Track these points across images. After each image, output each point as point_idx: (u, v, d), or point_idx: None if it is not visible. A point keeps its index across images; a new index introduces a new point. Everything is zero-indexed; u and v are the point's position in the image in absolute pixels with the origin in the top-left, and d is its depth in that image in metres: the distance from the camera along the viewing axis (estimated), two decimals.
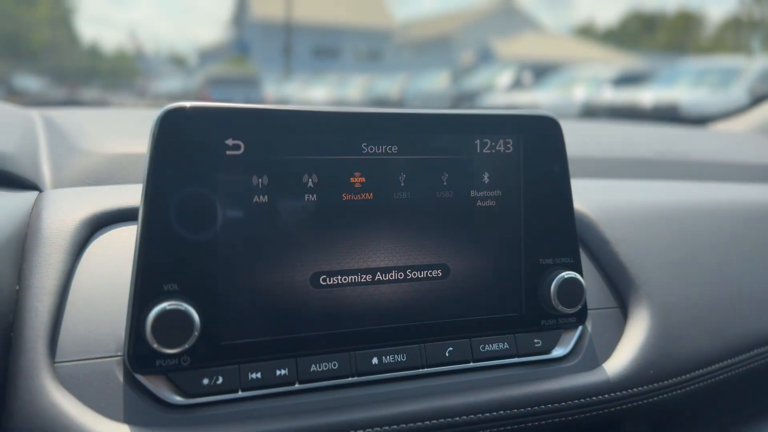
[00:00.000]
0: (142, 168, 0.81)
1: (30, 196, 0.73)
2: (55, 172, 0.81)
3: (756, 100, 1.79)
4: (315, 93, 21.44)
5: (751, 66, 12.00)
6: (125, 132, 0.97)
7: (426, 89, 17.98)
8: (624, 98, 11.77)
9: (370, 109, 0.66)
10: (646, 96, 11.37)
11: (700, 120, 1.86)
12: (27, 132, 0.87)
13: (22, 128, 0.88)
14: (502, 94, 15.13)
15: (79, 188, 0.76)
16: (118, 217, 0.69)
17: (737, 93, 10.89)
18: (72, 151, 0.85)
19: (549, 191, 0.72)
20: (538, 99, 13.48)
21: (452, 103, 15.76)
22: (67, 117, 1.00)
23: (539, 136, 0.71)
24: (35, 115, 0.99)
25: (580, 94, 13.46)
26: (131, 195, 0.72)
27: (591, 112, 11.91)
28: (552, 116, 0.72)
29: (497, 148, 0.70)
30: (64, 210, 0.68)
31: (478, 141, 0.69)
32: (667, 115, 10.60)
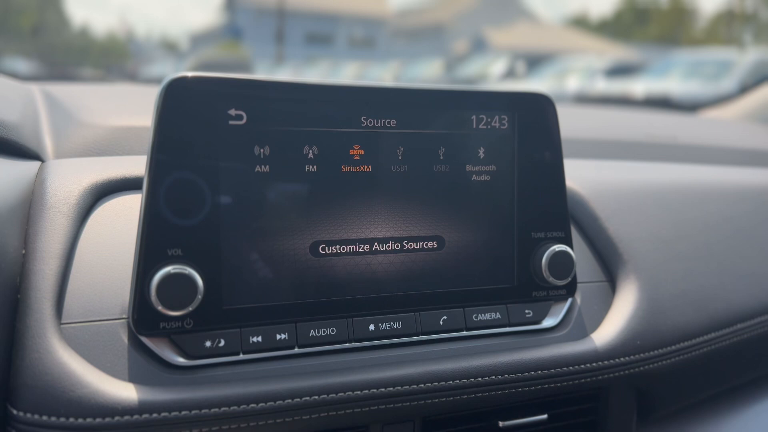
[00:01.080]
0: (144, 139, 0.83)
1: (33, 165, 0.75)
2: (56, 143, 0.82)
3: (744, 89, 1.82)
4: (307, 78, 21.34)
5: (742, 59, 12.06)
6: (124, 106, 0.98)
7: (419, 77, 17.96)
8: (616, 89, 11.81)
9: (369, 84, 0.67)
10: (638, 87, 11.42)
11: (691, 109, 1.89)
12: (28, 103, 0.89)
13: (23, 100, 0.89)
14: (495, 83, 15.14)
15: (81, 158, 0.78)
16: (121, 186, 0.71)
17: (728, 85, 10.94)
18: (72, 123, 0.86)
19: (542, 167, 0.74)
20: (531, 89, 13.50)
21: None
22: (65, 91, 1.01)
23: (534, 113, 0.73)
24: (34, 88, 1.00)
25: (572, 84, 13.49)
26: (133, 166, 0.73)
27: (583, 102, 11.93)
28: (547, 94, 0.74)
29: (493, 124, 0.72)
30: (69, 178, 0.69)
31: (474, 117, 0.71)
32: (659, 106, 10.65)
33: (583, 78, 13.79)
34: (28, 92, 0.95)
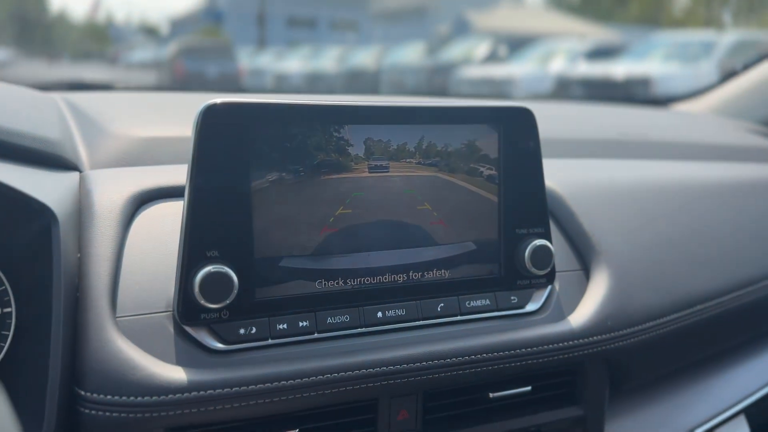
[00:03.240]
0: (170, 148, 0.92)
1: (74, 176, 0.84)
2: (90, 154, 0.91)
3: (726, 78, 1.90)
4: (289, 64, 21.24)
5: (721, 40, 12.20)
6: (148, 116, 1.07)
7: (402, 62, 17.93)
8: (597, 72, 11.93)
9: (377, 102, 0.77)
10: (619, 70, 11.54)
11: (670, 98, 1.98)
12: (61, 116, 0.97)
13: (56, 113, 0.97)
14: (477, 67, 15.18)
15: (117, 169, 0.87)
16: (159, 194, 0.81)
17: (708, 67, 11.10)
18: (103, 135, 0.95)
19: (524, 171, 0.84)
20: (514, 72, 13.57)
21: (429, 75, 15.77)
22: (87, 101, 1.10)
23: (517, 124, 0.84)
24: (58, 98, 1.08)
25: (554, 67, 13.58)
26: (167, 175, 0.83)
27: (565, 84, 12.05)
28: (528, 108, 0.84)
29: (481, 134, 0.82)
30: (111, 188, 0.79)
31: (465, 128, 0.81)
32: (639, 88, 10.78)
33: (564, 61, 13.89)
34: (55, 103, 1.04)
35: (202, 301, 0.68)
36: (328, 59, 21.15)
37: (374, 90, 15.30)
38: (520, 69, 13.94)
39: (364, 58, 19.75)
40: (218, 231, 0.70)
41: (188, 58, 16.28)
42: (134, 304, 0.71)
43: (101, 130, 0.96)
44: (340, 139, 0.75)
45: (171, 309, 0.71)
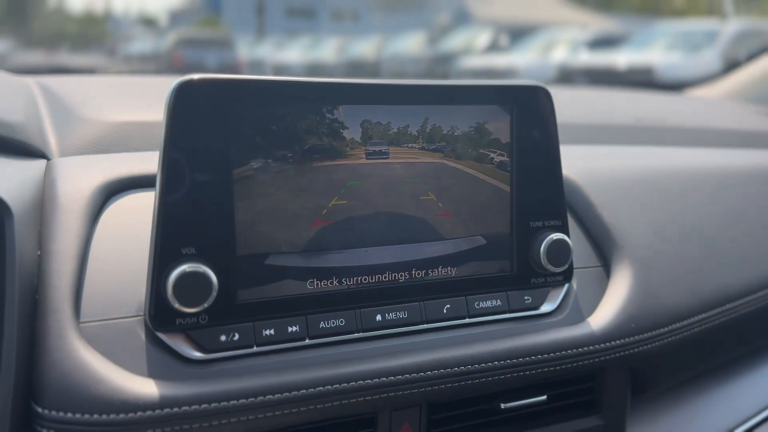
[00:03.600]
0: (146, 134, 0.84)
1: (40, 164, 0.76)
2: (59, 140, 0.83)
3: (729, 67, 1.85)
4: (289, 55, 21.11)
5: (724, 29, 12.10)
6: (123, 100, 0.98)
7: (402, 52, 17.81)
8: (599, 61, 11.83)
9: (370, 81, 0.69)
10: (621, 59, 11.45)
11: (676, 86, 1.92)
12: (29, 100, 0.89)
13: (25, 97, 0.89)
14: (479, 56, 15.08)
15: (87, 156, 0.79)
16: (130, 184, 0.72)
17: (710, 57, 11.00)
18: (74, 120, 0.87)
19: (539, 158, 0.76)
20: (515, 62, 13.48)
21: (429, 66, 15.67)
22: (62, 85, 1.01)
23: (531, 105, 0.75)
24: (31, 82, 1.00)
25: (556, 56, 13.48)
26: (140, 163, 0.75)
27: (567, 74, 11.96)
28: (544, 86, 0.76)
29: (491, 117, 0.74)
30: (78, 178, 0.71)
31: (473, 110, 0.73)
32: (642, 77, 10.70)
33: (566, 50, 13.79)
34: (27, 87, 0.96)
35: (177, 305, 0.60)
36: (328, 49, 21.03)
37: None
38: (521, 59, 13.83)
39: (364, 48, 19.64)
40: (195, 225, 0.61)
41: (187, 49, 16.25)
42: (101, 308, 0.63)
43: (72, 114, 0.88)
44: (334, 121, 0.67)
45: (142, 313, 0.63)
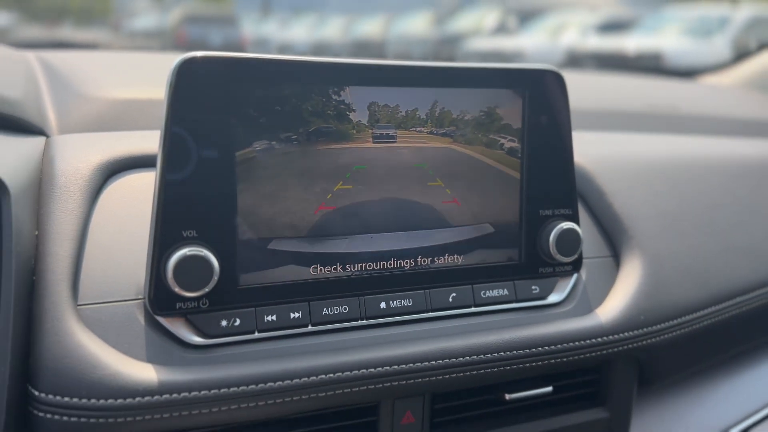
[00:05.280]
0: (147, 112, 0.82)
1: (39, 141, 0.74)
2: (59, 117, 0.81)
3: (741, 55, 1.82)
4: (294, 33, 20.94)
5: (735, 15, 11.94)
6: (125, 76, 0.96)
7: (409, 32, 17.64)
8: (608, 45, 11.70)
9: (380, 62, 0.67)
10: (630, 44, 11.32)
11: (685, 72, 1.89)
12: (29, 76, 0.87)
13: (24, 72, 0.87)
14: (486, 38, 14.94)
15: (88, 134, 0.77)
16: (131, 164, 0.71)
17: (721, 43, 10.87)
18: (75, 96, 0.85)
19: (551, 145, 0.74)
20: (523, 44, 13.34)
21: (436, 47, 15.53)
22: (63, 60, 0.99)
23: (544, 90, 0.73)
24: (32, 57, 0.98)
25: (565, 40, 13.34)
26: (141, 142, 0.73)
27: (576, 58, 11.83)
28: (557, 71, 0.74)
29: (502, 101, 0.72)
30: (77, 156, 0.69)
31: (484, 93, 0.71)
32: (651, 63, 10.58)
33: (575, 34, 13.64)
34: (27, 62, 0.94)
35: (177, 289, 0.59)
36: (333, 28, 20.83)
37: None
38: (529, 41, 13.67)
39: (370, 27, 19.44)
40: (196, 207, 0.60)
41: (191, 26, 16.12)
42: (99, 290, 0.61)
43: (73, 90, 0.86)
44: (341, 102, 0.65)
45: (141, 297, 0.62)
